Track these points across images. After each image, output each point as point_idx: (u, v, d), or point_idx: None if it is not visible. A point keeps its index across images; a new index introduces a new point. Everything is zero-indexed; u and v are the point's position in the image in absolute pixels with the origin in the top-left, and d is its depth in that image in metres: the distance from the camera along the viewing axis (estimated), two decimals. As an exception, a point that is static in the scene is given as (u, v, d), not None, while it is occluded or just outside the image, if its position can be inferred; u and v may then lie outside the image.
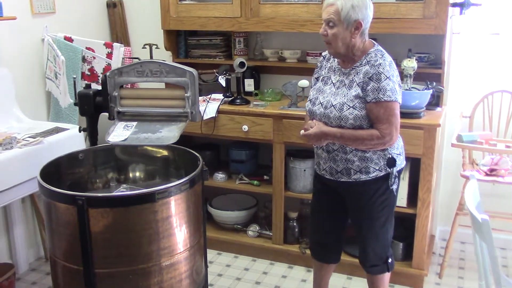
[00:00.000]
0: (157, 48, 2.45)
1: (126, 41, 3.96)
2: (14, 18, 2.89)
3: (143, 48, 2.47)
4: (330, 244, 2.61)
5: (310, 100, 2.40)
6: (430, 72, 3.11)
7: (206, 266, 2.43)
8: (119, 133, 2.27)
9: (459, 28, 2.96)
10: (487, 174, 3.05)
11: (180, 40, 3.70)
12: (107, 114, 2.37)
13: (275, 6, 3.22)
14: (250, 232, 3.53)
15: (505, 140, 3.06)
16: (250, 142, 3.37)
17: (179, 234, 2.09)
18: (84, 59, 3.31)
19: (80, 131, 2.46)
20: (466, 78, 3.32)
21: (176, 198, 2.03)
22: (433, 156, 2.87)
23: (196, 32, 3.70)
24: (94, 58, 3.31)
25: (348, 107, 2.22)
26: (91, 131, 2.43)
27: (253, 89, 3.56)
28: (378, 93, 2.17)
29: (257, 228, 3.53)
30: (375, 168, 2.30)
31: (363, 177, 2.32)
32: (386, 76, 2.17)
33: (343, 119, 2.23)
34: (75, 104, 2.38)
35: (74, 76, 2.49)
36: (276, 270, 3.34)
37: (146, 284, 2.03)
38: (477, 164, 3.20)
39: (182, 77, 2.30)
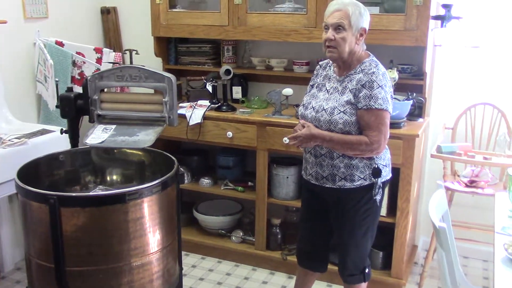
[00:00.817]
0: (136, 53, 2.51)
1: (119, 47, 4.04)
2: (5, 22, 2.97)
3: (123, 53, 2.52)
4: (317, 252, 2.63)
5: (303, 105, 2.45)
6: (413, 83, 3.15)
7: (181, 268, 2.47)
8: (97, 135, 2.33)
9: (441, 40, 3.00)
10: (467, 186, 3.08)
11: (170, 47, 3.77)
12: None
13: (262, 15, 3.28)
14: (233, 238, 3.57)
15: (483, 152, 3.08)
16: (237, 148, 3.41)
17: (151, 235, 2.13)
18: (74, 63, 3.38)
19: (61, 133, 2.51)
20: (450, 90, 3.35)
21: (148, 200, 2.08)
22: (412, 166, 2.90)
23: (187, 40, 3.77)
24: (84, 62, 3.38)
25: (339, 111, 2.27)
26: (72, 133, 2.48)
27: (240, 97, 3.62)
28: (370, 100, 2.21)
29: (241, 233, 3.56)
30: (360, 177, 2.33)
31: (348, 184, 2.35)
32: (378, 84, 2.22)
33: (333, 123, 2.27)
34: (57, 106, 2.44)
35: (57, 79, 2.55)
36: (257, 275, 3.37)
37: (116, 283, 2.07)
38: (458, 176, 3.23)
39: (161, 83, 2.35)
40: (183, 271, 3.32)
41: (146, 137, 2.31)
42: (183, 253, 3.56)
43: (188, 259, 3.56)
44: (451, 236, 2.19)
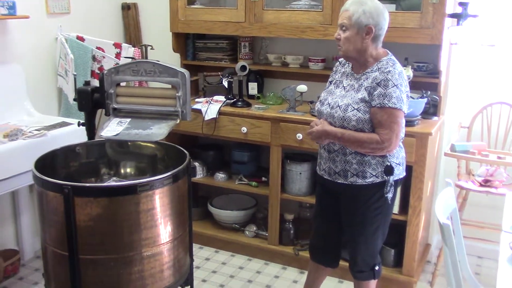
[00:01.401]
0: (152, 49, 2.57)
1: (139, 42, 4.10)
2: (27, 17, 3.06)
3: (139, 48, 2.58)
4: (329, 247, 2.66)
5: (320, 100, 2.48)
6: (428, 82, 3.14)
7: (192, 260, 2.52)
8: (112, 128, 2.39)
9: (457, 38, 2.98)
10: (481, 185, 3.06)
11: (188, 42, 3.82)
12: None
13: (278, 12, 3.30)
14: (247, 232, 3.62)
15: (497, 151, 3.06)
16: (252, 144, 3.45)
17: (161, 226, 2.19)
18: (94, 58, 3.46)
19: (79, 125, 2.59)
20: (466, 89, 3.33)
21: (159, 192, 2.13)
22: (425, 164, 2.90)
23: (205, 36, 3.81)
24: (104, 57, 3.45)
25: (353, 108, 2.28)
26: (89, 126, 2.56)
27: (256, 93, 3.65)
28: (384, 99, 2.22)
29: (254, 228, 3.61)
30: (372, 174, 2.35)
31: (359, 181, 2.36)
32: (393, 83, 2.23)
33: (346, 120, 2.29)
34: (74, 99, 2.52)
35: (75, 73, 2.63)
36: (269, 270, 3.41)
37: (127, 272, 2.13)
38: (473, 175, 3.21)
39: (174, 77, 2.40)
40: (196, 264, 3.41)
41: (159, 130, 2.36)
42: (197, 246, 3.65)
43: (202, 252, 3.62)
44: (459, 234, 2.19)
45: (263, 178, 3.53)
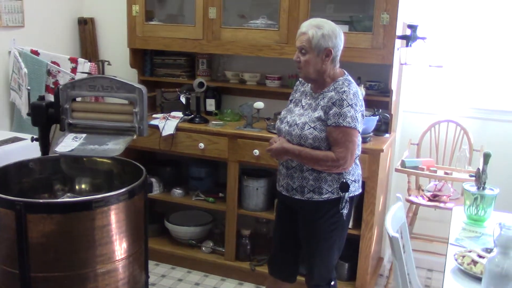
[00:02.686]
0: (108, 64, 2.57)
1: (95, 57, 4.07)
2: (-21, 30, 3.00)
3: (95, 64, 2.57)
4: (288, 262, 2.68)
5: (279, 118, 2.53)
6: (380, 100, 3.26)
7: (147, 276, 2.51)
8: (67, 143, 2.37)
9: (407, 59, 3.11)
10: (430, 200, 3.18)
11: (146, 58, 3.83)
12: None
13: (235, 30, 3.36)
14: (204, 248, 3.61)
15: (445, 167, 3.20)
16: (209, 160, 3.47)
17: (116, 243, 2.17)
18: (49, 73, 3.42)
19: (32, 140, 2.54)
20: (415, 107, 3.47)
21: (114, 208, 2.12)
22: (377, 180, 2.99)
23: (163, 52, 3.82)
24: (59, 72, 3.41)
25: (309, 127, 2.34)
26: (43, 142, 2.52)
27: (214, 109, 3.68)
28: (339, 118, 2.28)
29: (211, 244, 3.61)
30: (327, 190, 2.40)
31: (316, 197, 2.41)
32: (348, 103, 2.29)
33: (303, 138, 2.34)
34: (28, 114, 2.48)
35: (29, 87, 2.59)
36: (226, 286, 3.41)
37: (81, 289, 2.10)
38: (422, 190, 3.33)
39: (132, 93, 2.41)
40: (152, 281, 3.38)
41: (115, 146, 2.35)
42: (153, 263, 3.62)
43: (158, 269, 3.59)
44: (408, 247, 2.27)
45: (220, 194, 3.55)
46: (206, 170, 3.69)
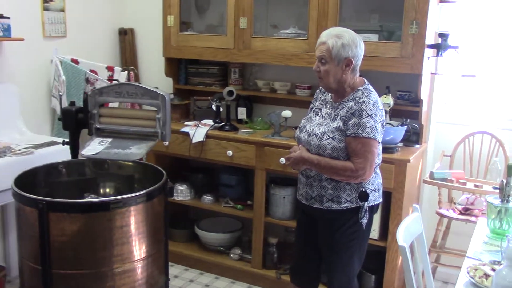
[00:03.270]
0: (134, 71, 2.65)
1: (135, 66, 4.22)
2: (22, 39, 3.18)
3: (122, 71, 2.67)
4: (308, 270, 2.68)
5: (299, 127, 2.54)
6: (410, 110, 3.20)
7: (167, 278, 2.56)
8: (93, 147, 2.47)
9: (438, 68, 3.05)
10: (461, 213, 3.08)
11: (181, 67, 3.93)
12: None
13: (265, 39, 3.41)
14: (232, 255, 3.65)
15: (475, 179, 3.09)
16: (240, 168, 3.51)
17: (134, 244, 2.24)
18: (87, 80, 3.57)
19: (63, 144, 2.67)
20: (449, 117, 3.38)
21: (132, 209, 2.19)
22: (404, 191, 2.94)
23: (197, 61, 3.92)
24: (97, 80, 3.56)
25: (328, 137, 2.34)
26: (73, 145, 2.64)
27: (245, 117, 3.73)
28: (358, 129, 2.27)
29: (239, 251, 3.64)
30: (346, 199, 2.39)
31: (334, 206, 2.40)
32: (368, 114, 2.28)
33: (322, 148, 2.35)
34: (59, 119, 2.60)
35: (61, 93, 2.72)
36: (252, 293, 3.43)
37: (98, 287, 2.18)
38: (454, 203, 3.24)
39: (155, 100, 2.48)
40: (179, 285, 3.45)
41: (138, 150, 2.43)
42: (182, 267, 3.69)
43: (187, 274, 3.65)
44: (426, 258, 2.22)
45: (249, 202, 3.58)
46: (236, 177, 3.72)
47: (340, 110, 2.36)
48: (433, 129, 3.39)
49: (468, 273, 1.83)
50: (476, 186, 2.93)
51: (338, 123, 2.33)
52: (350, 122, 2.29)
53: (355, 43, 2.32)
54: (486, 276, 1.75)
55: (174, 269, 3.69)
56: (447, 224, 3.28)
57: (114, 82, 3.50)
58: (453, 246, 3.32)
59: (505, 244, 1.55)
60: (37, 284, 2.19)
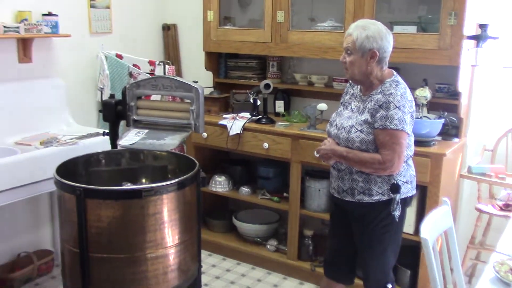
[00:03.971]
0: (168, 65, 2.74)
1: (177, 61, 4.35)
2: (69, 36, 3.34)
3: (158, 65, 2.77)
4: (342, 264, 2.69)
5: (329, 122, 2.56)
6: (448, 103, 3.13)
7: (200, 265, 2.64)
8: (130, 138, 2.58)
9: (478, 60, 2.97)
10: (501, 209, 3.00)
11: (221, 61, 4.01)
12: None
13: (302, 33, 3.42)
14: (268, 246, 3.70)
15: (515, 174, 2.99)
16: (278, 161, 3.55)
17: (166, 231, 2.33)
18: (131, 75, 3.71)
19: (103, 135, 2.80)
20: (490, 111, 3.28)
21: (164, 198, 2.28)
22: (439, 185, 2.89)
23: (237, 55, 3.99)
24: (139, 74, 3.69)
25: (356, 130, 2.35)
26: (113, 136, 2.76)
27: (282, 110, 3.76)
28: (386, 121, 2.27)
29: (276, 242, 3.68)
30: (378, 192, 2.39)
31: (366, 198, 2.41)
32: (395, 105, 2.27)
33: (350, 141, 2.36)
34: (100, 111, 2.73)
35: (101, 86, 2.84)
36: (286, 284, 3.46)
37: (132, 271, 2.29)
38: (495, 199, 3.15)
39: (189, 92, 2.57)
40: (216, 274, 3.54)
41: (171, 141, 2.52)
42: (220, 257, 3.78)
43: (225, 263, 3.73)
44: (455, 254, 2.18)
45: (285, 194, 3.61)
46: (274, 170, 3.77)
47: (368, 103, 2.36)
48: (473, 123, 3.30)
49: (494, 267, 1.79)
50: (516, 181, 2.84)
51: (366, 116, 2.33)
52: (378, 114, 2.28)
53: (380, 36, 2.30)
54: None
55: (212, 259, 3.78)
56: (488, 220, 3.19)
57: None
58: (494, 243, 3.23)
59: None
60: (75, 266, 2.32)
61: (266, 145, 3.42)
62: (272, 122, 3.55)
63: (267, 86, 3.49)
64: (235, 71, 3.97)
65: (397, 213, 2.39)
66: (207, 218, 3.98)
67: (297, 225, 3.47)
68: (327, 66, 3.65)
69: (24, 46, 3.23)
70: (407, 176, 2.42)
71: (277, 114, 3.78)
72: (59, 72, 3.51)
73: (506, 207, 2.98)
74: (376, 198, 2.38)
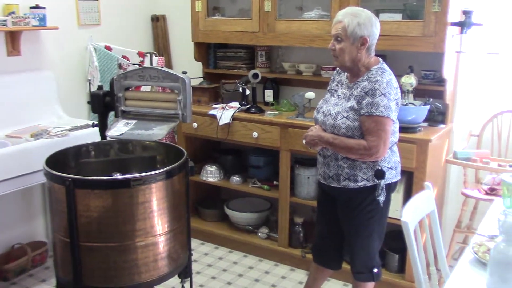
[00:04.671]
0: (156, 56, 2.76)
1: (167, 52, 4.36)
2: (57, 28, 3.36)
3: (145, 56, 2.79)
4: (330, 249, 2.74)
5: (316, 109, 2.60)
6: (434, 89, 3.17)
7: (190, 253, 2.68)
8: (118, 128, 2.61)
9: (462, 47, 3.00)
10: (486, 193, 3.05)
11: (210, 52, 4.03)
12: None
13: (289, 22, 3.45)
14: (260, 234, 3.75)
15: (499, 159, 3.04)
16: (268, 149, 3.58)
17: (155, 219, 2.36)
18: (120, 66, 3.73)
19: (92, 126, 2.82)
20: (475, 97, 3.32)
21: (152, 187, 2.31)
22: (425, 171, 2.93)
23: (226, 45, 4.00)
24: (129, 65, 3.71)
25: (342, 116, 2.39)
26: (101, 127, 2.78)
27: (271, 99, 3.80)
28: (371, 108, 2.31)
29: (267, 230, 3.73)
30: (363, 177, 2.43)
31: (351, 184, 2.45)
32: (381, 92, 2.31)
33: (336, 128, 2.40)
34: (88, 102, 2.75)
35: (90, 78, 2.86)
36: (278, 271, 3.52)
37: (122, 259, 2.32)
38: (481, 183, 3.20)
39: (176, 82, 2.59)
40: (209, 262, 3.59)
41: (159, 131, 2.55)
42: (213, 246, 3.83)
43: (217, 252, 3.78)
44: (438, 236, 2.23)
45: (275, 182, 3.65)
46: (264, 159, 3.80)
47: (354, 90, 2.39)
48: (459, 109, 3.34)
49: (472, 248, 1.84)
50: (499, 165, 2.89)
51: (352, 102, 2.36)
52: (364, 101, 2.32)
53: (371, 22, 2.34)
54: (490, 251, 1.76)
55: (204, 247, 3.83)
56: (474, 204, 3.25)
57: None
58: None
59: (503, 218, 1.56)
60: (66, 255, 2.35)
61: (255, 134, 3.46)
62: (261, 111, 3.59)
63: (255, 75, 3.52)
64: (224, 61, 3.99)
65: (381, 198, 2.44)
66: (199, 208, 4.02)
67: (288, 212, 3.51)
68: (315, 55, 3.68)
69: (13, 39, 3.24)
70: (391, 162, 2.46)
71: (267, 103, 3.81)
72: (49, 65, 3.53)
73: (491, 191, 3.03)
74: (361, 184, 2.43)
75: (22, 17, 3.14)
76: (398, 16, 3.13)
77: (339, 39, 2.37)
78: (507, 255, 1.53)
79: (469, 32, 2.96)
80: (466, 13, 2.94)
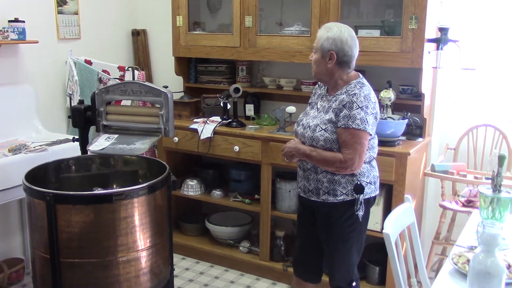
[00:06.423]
0: (137, 70, 2.77)
1: (147, 66, 4.36)
2: (36, 42, 3.33)
3: (126, 70, 2.79)
4: (310, 263, 2.74)
5: (297, 121, 2.62)
6: (412, 104, 3.24)
7: (172, 268, 2.67)
8: (100, 143, 2.60)
9: (438, 62, 3.08)
10: (464, 205, 3.11)
11: (191, 66, 4.05)
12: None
13: (270, 37, 3.49)
14: (241, 248, 3.74)
15: (475, 171, 3.11)
16: (249, 163, 3.60)
17: (137, 234, 2.35)
18: (100, 80, 3.71)
19: (73, 141, 2.80)
20: (452, 111, 3.41)
21: (135, 201, 2.30)
22: (405, 183, 2.98)
23: (207, 60, 4.03)
24: (109, 79, 3.70)
25: (320, 129, 2.41)
26: (82, 142, 2.77)
27: (252, 114, 3.82)
28: (348, 120, 2.33)
29: (248, 244, 3.73)
30: (342, 192, 2.44)
31: (331, 199, 2.46)
32: (358, 106, 2.34)
33: (315, 140, 2.42)
34: (69, 117, 2.73)
35: (70, 92, 2.85)
36: (260, 285, 3.51)
37: (104, 275, 2.30)
38: (458, 195, 3.26)
39: (158, 97, 2.60)
40: (190, 277, 3.56)
41: (141, 146, 2.55)
42: (194, 260, 3.81)
43: (198, 266, 3.76)
44: (418, 248, 2.27)
45: (256, 196, 3.66)
46: (245, 173, 3.82)
47: (333, 102, 2.43)
48: (437, 123, 3.41)
49: (452, 259, 1.88)
50: (476, 178, 2.95)
51: (331, 115, 2.39)
52: (341, 114, 2.35)
53: (341, 39, 2.35)
54: (469, 262, 1.80)
55: (185, 262, 3.81)
56: (452, 216, 3.30)
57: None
58: (456, 238, 3.34)
59: (481, 229, 1.60)
60: (46, 272, 2.31)
61: (236, 148, 3.47)
62: (243, 125, 3.61)
63: (236, 90, 3.55)
64: (205, 75, 4.01)
65: (360, 213, 2.45)
66: (180, 222, 4.01)
67: (269, 226, 3.52)
68: (295, 70, 3.73)
69: (-9, 53, 3.21)
70: (370, 177, 2.48)
71: (248, 118, 3.83)
72: (28, 79, 3.49)
73: (468, 203, 3.10)
74: (340, 198, 2.44)
75: (1, 30, 3.11)
76: (376, 33, 3.20)
77: (314, 51, 2.44)
78: (486, 266, 1.57)
79: (445, 48, 3.04)
80: (442, 30, 3.02)
